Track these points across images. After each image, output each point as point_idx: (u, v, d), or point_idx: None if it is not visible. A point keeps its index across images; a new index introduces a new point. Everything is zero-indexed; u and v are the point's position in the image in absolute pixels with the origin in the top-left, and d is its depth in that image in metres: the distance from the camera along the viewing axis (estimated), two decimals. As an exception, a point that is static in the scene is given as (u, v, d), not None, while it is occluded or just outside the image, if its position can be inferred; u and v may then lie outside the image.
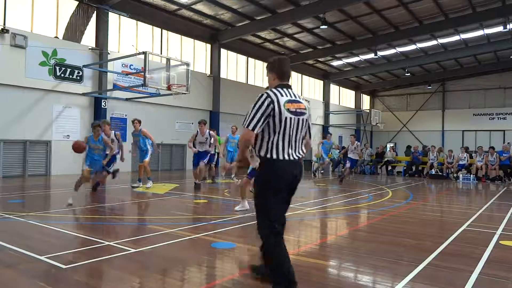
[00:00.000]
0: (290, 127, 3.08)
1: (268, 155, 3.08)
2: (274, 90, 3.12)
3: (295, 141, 3.15)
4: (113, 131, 9.07)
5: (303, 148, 3.26)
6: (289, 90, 3.20)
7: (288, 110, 3.06)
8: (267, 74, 3.34)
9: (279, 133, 3.06)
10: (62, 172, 14.13)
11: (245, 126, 3.01)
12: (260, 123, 3.00)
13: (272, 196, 3.07)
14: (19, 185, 11.01)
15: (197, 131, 10.31)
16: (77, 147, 7.26)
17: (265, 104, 3.00)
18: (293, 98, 3.16)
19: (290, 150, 3.11)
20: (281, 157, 3.07)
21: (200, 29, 19.45)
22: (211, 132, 10.50)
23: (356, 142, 14.09)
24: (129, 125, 16.64)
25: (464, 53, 23.90)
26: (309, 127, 3.33)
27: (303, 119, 3.18)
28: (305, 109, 3.22)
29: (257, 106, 3.02)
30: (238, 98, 21.50)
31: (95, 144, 7.82)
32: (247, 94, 22.46)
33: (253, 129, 2.99)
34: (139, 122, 10.43)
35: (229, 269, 3.86)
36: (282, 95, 3.08)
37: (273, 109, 3.02)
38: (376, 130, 33.84)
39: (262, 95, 3.06)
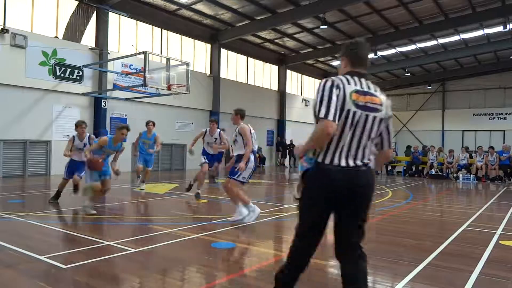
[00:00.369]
0: (352, 124, 2.42)
1: (318, 158, 2.48)
2: (340, 76, 2.51)
3: (358, 144, 2.46)
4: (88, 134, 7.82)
5: (370, 155, 2.53)
6: (362, 79, 2.53)
7: (354, 102, 2.40)
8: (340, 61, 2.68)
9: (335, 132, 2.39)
10: (62, 172, 14.12)
11: (321, 117, 2.34)
12: (338, 110, 2.36)
13: (308, 205, 2.58)
14: (19, 185, 11.01)
15: (206, 129, 8.66)
16: (94, 164, 6.51)
17: (327, 86, 2.41)
18: (365, 89, 2.48)
19: (347, 154, 2.44)
20: (330, 162, 2.44)
21: (200, 29, 19.45)
22: (221, 132, 8.73)
23: None
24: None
25: (464, 53, 23.89)
26: (387, 130, 2.60)
27: (374, 117, 2.47)
28: (380, 104, 2.50)
29: (320, 91, 2.42)
30: (238, 98, 21.49)
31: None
32: (247, 94, 22.51)
33: (334, 119, 2.33)
34: (154, 124, 9.95)
35: (229, 269, 3.86)
36: (349, 83, 2.45)
37: (338, 95, 2.40)
38: (376, 130, 33.84)
39: (322, 80, 2.49)
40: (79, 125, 7.70)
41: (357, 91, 2.44)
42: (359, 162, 2.46)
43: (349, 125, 2.42)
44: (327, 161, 2.45)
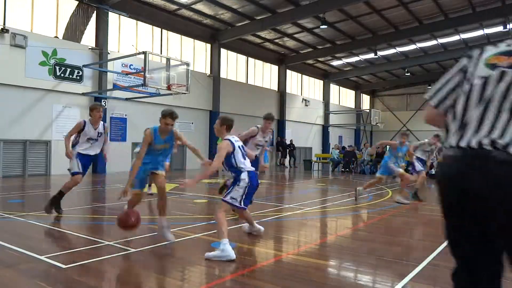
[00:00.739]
0: (483, 91, 1.67)
1: (449, 142, 1.74)
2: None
3: (495, 116, 1.61)
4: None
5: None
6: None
7: (490, 65, 1.71)
8: None
9: (461, 103, 1.74)
10: (62, 172, 14.12)
11: (428, 99, 1.95)
12: (447, 96, 1.83)
13: (446, 216, 1.81)
14: (19, 185, 11.01)
15: (257, 127, 6.56)
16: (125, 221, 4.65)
17: (455, 69, 1.86)
18: None
19: (476, 133, 1.62)
20: (454, 144, 1.68)
21: (200, 29, 19.45)
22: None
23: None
24: (129, 126, 16.64)
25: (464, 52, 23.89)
26: None
27: None
28: None
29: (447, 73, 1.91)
30: (238, 98, 21.51)
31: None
32: (247, 94, 22.50)
33: (436, 105, 1.88)
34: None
35: (229, 269, 3.85)
36: (494, 47, 1.80)
37: (465, 72, 1.80)
38: (376, 130, 33.85)
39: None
40: (95, 108, 6.29)
41: (502, 53, 1.74)
42: (490, 144, 1.59)
43: (480, 94, 1.69)
44: (453, 143, 1.70)
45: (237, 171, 4.45)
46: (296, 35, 21.39)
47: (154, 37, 17.99)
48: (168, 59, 14.76)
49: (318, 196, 10.05)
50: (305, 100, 27.71)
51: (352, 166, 20.43)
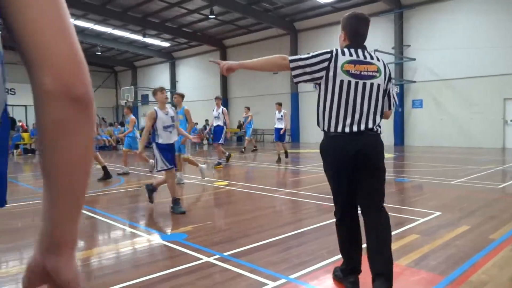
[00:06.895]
0: (348, 93, 2.60)
1: (324, 127, 2.71)
2: (338, 49, 2.69)
3: (360, 111, 2.62)
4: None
5: (377, 118, 2.71)
6: (359, 50, 2.68)
7: (347, 72, 2.58)
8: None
9: (333, 101, 2.62)
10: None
11: (289, 59, 2.67)
12: (305, 70, 2.64)
13: (332, 176, 2.79)
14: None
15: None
16: None
17: (320, 56, 2.62)
18: (360, 58, 2.64)
19: (348, 121, 2.61)
20: (334, 130, 2.64)
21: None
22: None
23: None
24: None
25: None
26: (387, 94, 2.81)
27: (371, 84, 2.64)
28: (376, 71, 2.65)
29: (312, 53, 2.67)
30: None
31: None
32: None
33: (291, 61, 2.65)
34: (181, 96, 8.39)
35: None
36: (344, 54, 2.62)
37: (326, 68, 2.60)
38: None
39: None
40: (159, 91, 5.88)
41: (351, 61, 2.60)
42: (361, 128, 2.61)
43: (346, 95, 2.59)
44: (333, 129, 2.64)
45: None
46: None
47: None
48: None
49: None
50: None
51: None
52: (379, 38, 18.72)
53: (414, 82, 18.90)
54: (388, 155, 14.31)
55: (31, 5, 0.57)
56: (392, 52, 18.65)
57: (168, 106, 5.93)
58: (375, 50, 16.61)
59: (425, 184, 7.90)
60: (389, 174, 9.68)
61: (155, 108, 5.80)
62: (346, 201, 2.78)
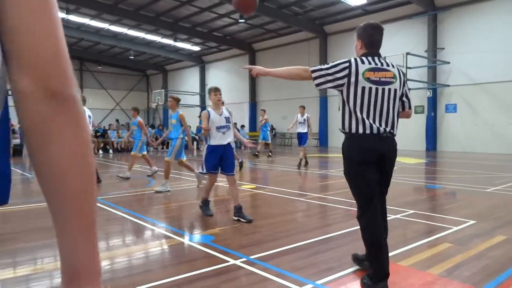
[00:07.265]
0: (370, 98, 2.85)
1: (351, 129, 2.91)
2: (356, 57, 2.95)
3: (380, 114, 2.87)
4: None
5: (396, 121, 2.97)
6: (375, 58, 2.94)
7: (368, 79, 2.84)
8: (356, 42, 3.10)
9: (360, 104, 2.86)
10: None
11: (311, 70, 2.95)
12: (327, 78, 2.90)
13: (358, 173, 2.96)
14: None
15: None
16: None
17: (340, 65, 2.89)
18: (378, 66, 2.89)
19: (376, 124, 2.86)
20: (361, 131, 2.87)
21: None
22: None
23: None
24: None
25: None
26: (406, 96, 3.09)
27: (389, 89, 2.90)
28: (393, 77, 2.92)
29: (331, 63, 2.93)
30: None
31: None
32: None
33: (313, 71, 2.92)
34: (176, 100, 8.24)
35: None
36: (363, 63, 2.88)
37: (348, 75, 2.85)
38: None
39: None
40: (212, 91, 5.76)
41: (371, 69, 2.84)
42: (384, 129, 2.87)
43: (368, 99, 2.83)
44: (361, 131, 2.85)
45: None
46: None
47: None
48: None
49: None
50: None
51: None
52: (411, 41, 18.29)
53: (448, 86, 18.32)
54: (419, 161, 13.96)
55: (17, 5, 0.54)
56: (425, 55, 18.18)
57: (223, 107, 5.79)
58: (407, 53, 16.28)
59: (458, 191, 7.64)
60: (420, 180, 9.44)
61: (209, 109, 5.72)
62: (374, 192, 2.91)
